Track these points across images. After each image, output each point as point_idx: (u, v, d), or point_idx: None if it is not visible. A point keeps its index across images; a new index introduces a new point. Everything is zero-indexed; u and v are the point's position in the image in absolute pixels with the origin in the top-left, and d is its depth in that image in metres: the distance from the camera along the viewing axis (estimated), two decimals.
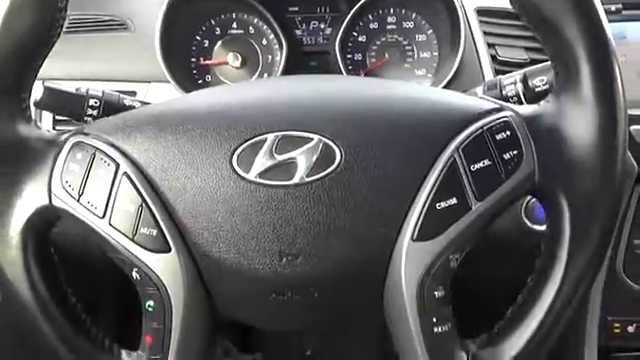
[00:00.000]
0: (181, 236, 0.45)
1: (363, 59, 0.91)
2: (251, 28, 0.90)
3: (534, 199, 0.81)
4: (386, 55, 0.89)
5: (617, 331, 0.78)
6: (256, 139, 0.45)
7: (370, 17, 0.90)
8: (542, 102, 0.47)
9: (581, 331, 0.79)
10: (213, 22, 0.90)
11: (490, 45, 0.80)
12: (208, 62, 0.90)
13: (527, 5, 0.44)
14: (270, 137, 0.45)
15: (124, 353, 0.50)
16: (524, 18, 0.46)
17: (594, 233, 0.43)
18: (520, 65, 0.78)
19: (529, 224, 0.78)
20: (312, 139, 0.45)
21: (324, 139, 0.45)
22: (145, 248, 0.45)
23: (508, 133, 0.45)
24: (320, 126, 0.45)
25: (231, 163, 0.45)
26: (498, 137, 0.45)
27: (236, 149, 0.45)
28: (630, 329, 0.78)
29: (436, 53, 0.90)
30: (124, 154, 0.46)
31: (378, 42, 0.90)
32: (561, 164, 0.44)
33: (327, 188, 0.44)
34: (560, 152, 0.44)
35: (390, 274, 0.45)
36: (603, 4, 0.81)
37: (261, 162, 0.45)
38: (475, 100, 0.48)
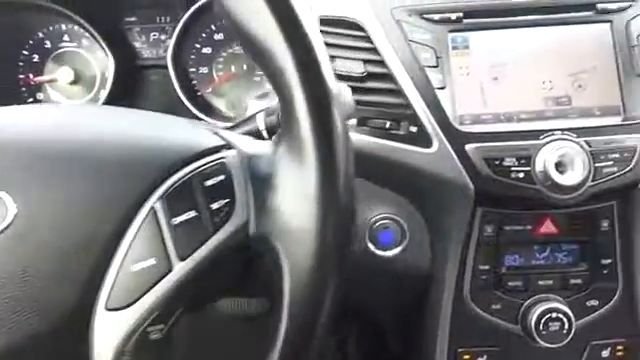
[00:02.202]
0: None
1: (210, 72, 0.85)
2: (84, 41, 0.83)
3: (380, 222, 0.77)
4: (232, 68, 0.83)
5: None
6: None
7: (214, 27, 0.83)
8: (273, 139, 0.41)
9: None
10: (41, 35, 0.83)
11: (330, 57, 0.74)
12: (36, 79, 0.82)
13: (236, 24, 0.37)
14: None
15: None
16: (237, 39, 0.40)
17: (312, 297, 0.37)
18: (356, 79, 0.73)
19: (372, 248, 0.73)
20: None
21: None
22: None
23: (222, 178, 0.39)
24: None
25: None
26: (209, 183, 0.38)
27: None
28: None
29: None
30: None
31: (224, 54, 0.84)
32: (276, 216, 0.38)
33: None
34: (276, 202, 0.38)
35: (91, 351, 0.38)
36: (443, 12, 0.77)
37: None
38: (199, 136, 0.41)
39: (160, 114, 0.44)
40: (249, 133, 0.53)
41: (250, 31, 0.37)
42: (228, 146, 0.41)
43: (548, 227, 0.71)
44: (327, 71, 0.37)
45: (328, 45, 0.76)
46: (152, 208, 0.38)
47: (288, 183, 0.38)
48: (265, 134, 0.55)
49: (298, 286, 0.37)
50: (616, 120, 0.69)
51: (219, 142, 0.41)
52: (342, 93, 0.47)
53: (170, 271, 0.37)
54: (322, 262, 0.37)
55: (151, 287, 0.37)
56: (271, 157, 0.39)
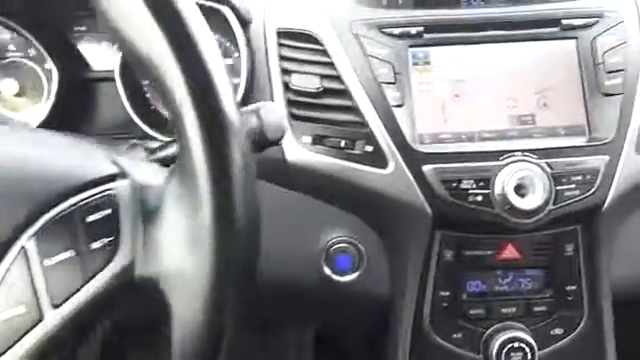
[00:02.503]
0: None
1: None
2: (31, 51, 0.79)
3: (338, 246, 0.74)
4: None
5: None
6: None
7: None
8: (170, 168, 0.36)
9: None
10: None
11: (286, 71, 0.71)
12: None
13: (122, 41, 0.32)
14: None
15: None
16: (126, 55, 0.35)
17: (202, 352, 0.33)
18: (312, 95, 0.70)
19: (329, 273, 0.70)
20: None
21: None
22: None
23: (108, 212, 0.34)
24: None
25: None
26: (92, 218, 0.34)
27: None
28: None
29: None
30: None
31: None
32: (164, 259, 0.34)
33: None
34: (164, 242, 0.34)
35: None
36: (403, 26, 0.74)
37: None
38: (90, 164, 0.36)
39: (57, 134, 0.39)
40: (172, 157, 0.49)
41: (130, 40, 0.31)
42: (122, 175, 0.36)
43: (510, 252, 0.67)
44: (226, 95, 0.32)
45: (285, 59, 0.73)
46: (23, 248, 0.33)
47: (178, 222, 0.33)
48: None
49: (186, 340, 0.33)
50: (581, 140, 0.67)
51: (112, 170, 0.36)
52: (269, 114, 0.43)
53: (41, 320, 0.32)
54: (213, 318, 0.33)
55: (19, 338, 0.32)
56: (162, 189, 0.35)
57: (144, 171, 0.37)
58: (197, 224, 0.32)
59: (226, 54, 0.80)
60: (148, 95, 0.80)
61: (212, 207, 0.32)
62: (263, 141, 0.42)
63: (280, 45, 0.73)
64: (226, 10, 0.71)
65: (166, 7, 0.31)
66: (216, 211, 0.32)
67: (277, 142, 0.42)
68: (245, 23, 0.76)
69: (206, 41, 0.32)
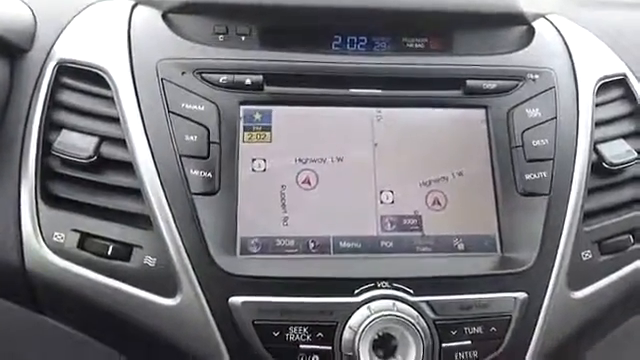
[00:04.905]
0: None
1: None
2: None
3: None
4: None
5: None
6: None
7: None
8: None
9: None
10: None
11: (54, 124, 0.46)
12: None
13: None
14: None
15: None
16: None
17: None
18: (81, 166, 0.44)
19: None
20: None
21: None
22: None
23: None
24: None
25: None
26: None
27: None
28: None
29: None
30: None
31: None
32: None
33: None
34: None
35: None
36: (235, 72, 0.47)
37: None
38: None
39: None
40: None
41: None
42: None
43: None
44: None
45: (59, 105, 0.48)
46: None
47: None
48: None
49: None
50: (486, 263, 0.44)
51: None
52: None
53: None
54: None
55: None
56: None
57: None
58: None
59: None
60: None
61: None
62: None
63: (57, 84, 0.48)
64: None
65: None
66: None
67: None
68: (13, 49, 0.52)
69: None
